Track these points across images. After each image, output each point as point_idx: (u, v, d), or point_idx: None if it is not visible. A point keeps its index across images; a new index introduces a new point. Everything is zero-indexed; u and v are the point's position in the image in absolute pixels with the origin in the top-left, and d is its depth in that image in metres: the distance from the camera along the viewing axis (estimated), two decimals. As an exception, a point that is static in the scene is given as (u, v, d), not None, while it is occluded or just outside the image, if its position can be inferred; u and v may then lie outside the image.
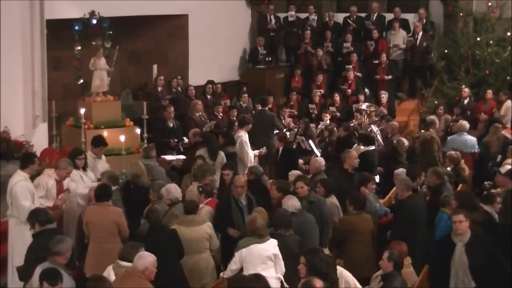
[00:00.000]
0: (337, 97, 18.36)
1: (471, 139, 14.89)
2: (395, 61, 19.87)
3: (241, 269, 8.82)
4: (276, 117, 16.09)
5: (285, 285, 8.90)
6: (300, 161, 15.13)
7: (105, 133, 13.13)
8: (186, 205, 9.85)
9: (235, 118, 16.01)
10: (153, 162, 12.44)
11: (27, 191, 10.04)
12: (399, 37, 19.86)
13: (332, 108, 18.00)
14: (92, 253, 9.54)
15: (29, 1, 13.75)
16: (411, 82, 20.25)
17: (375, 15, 20.53)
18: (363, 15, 20.73)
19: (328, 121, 16.94)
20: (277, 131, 15.15)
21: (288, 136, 14.89)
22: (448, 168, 12.71)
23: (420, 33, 19.66)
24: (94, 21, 14.39)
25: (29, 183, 10.20)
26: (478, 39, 18.87)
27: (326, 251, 9.45)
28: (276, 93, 19.28)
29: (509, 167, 12.17)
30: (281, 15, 21.44)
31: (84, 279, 8.83)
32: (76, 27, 14.29)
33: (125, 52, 18.46)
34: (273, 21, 21.13)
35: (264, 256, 8.75)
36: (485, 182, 12.61)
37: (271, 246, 8.83)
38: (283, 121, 17.01)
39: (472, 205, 9.79)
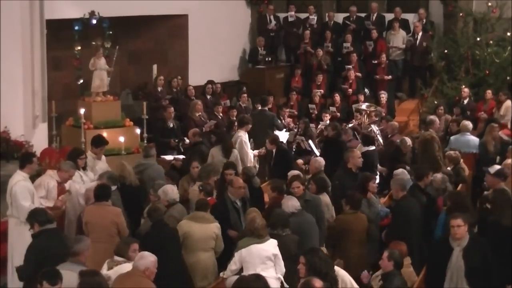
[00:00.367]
0: (337, 97, 18.37)
1: (474, 139, 14.89)
2: (394, 61, 19.89)
3: (241, 269, 8.83)
4: (276, 117, 16.10)
5: (285, 285, 8.91)
6: (300, 161, 15.14)
7: (105, 133, 13.14)
8: (198, 202, 9.89)
9: (234, 118, 16.02)
10: (152, 161, 12.43)
11: (26, 191, 10.04)
12: (399, 37, 19.87)
13: (332, 108, 18.01)
14: (92, 253, 9.52)
15: (29, 1, 13.74)
16: (411, 82, 20.26)
17: (375, 15, 20.53)
18: (363, 15, 20.74)
19: (328, 121, 16.93)
20: (270, 135, 15.07)
21: (279, 138, 14.84)
22: (448, 168, 12.72)
23: (420, 33, 19.66)
24: (94, 21, 14.38)
25: (29, 183, 10.20)
26: (478, 39, 18.87)
27: (323, 249, 9.47)
28: (276, 93, 19.27)
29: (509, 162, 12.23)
30: (281, 15, 21.44)
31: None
32: (76, 27, 14.28)
33: (125, 52, 18.46)
34: (273, 21, 21.13)
35: (263, 256, 8.76)
36: (485, 183, 12.59)
37: (270, 246, 8.84)
38: (283, 121, 17.01)
39: (463, 206, 9.84)
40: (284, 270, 8.89)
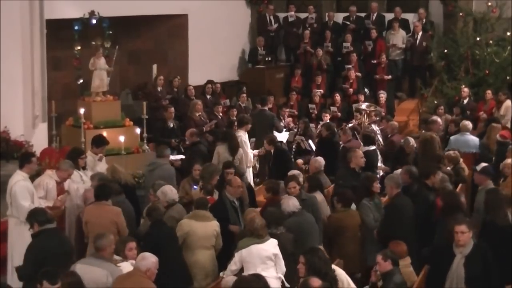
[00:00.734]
0: (337, 97, 18.38)
1: (474, 139, 14.89)
2: (394, 61, 19.90)
3: (241, 269, 8.83)
4: (275, 117, 16.10)
5: (286, 284, 8.91)
6: (300, 161, 15.15)
7: (105, 133, 13.12)
8: (197, 200, 9.92)
9: (234, 118, 16.03)
10: (163, 161, 12.45)
11: (26, 191, 10.05)
12: (399, 37, 19.88)
13: (333, 108, 18.02)
14: (91, 252, 9.53)
15: (29, 1, 13.75)
16: (411, 82, 20.27)
17: (375, 15, 20.54)
18: (363, 14, 20.75)
19: (328, 121, 16.92)
20: (268, 135, 15.06)
21: (276, 138, 14.85)
22: (448, 168, 12.71)
23: (420, 33, 19.68)
24: (94, 21, 14.36)
25: (29, 183, 10.20)
26: (478, 39, 18.87)
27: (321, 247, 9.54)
28: (276, 93, 19.27)
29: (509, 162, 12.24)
30: (281, 15, 21.44)
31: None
32: (76, 27, 14.26)
33: (125, 52, 18.46)
34: (273, 21, 21.13)
35: (264, 256, 8.77)
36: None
37: (270, 246, 8.85)
38: (283, 121, 17.02)
39: (456, 205, 9.85)
40: (284, 269, 8.90)
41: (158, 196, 10.16)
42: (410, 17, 20.45)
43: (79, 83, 15.05)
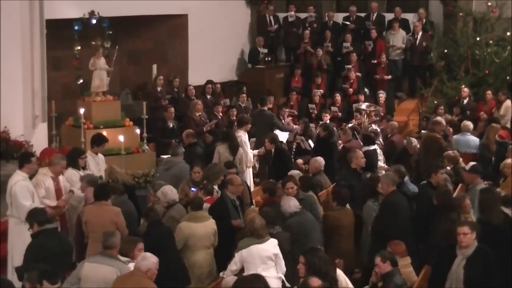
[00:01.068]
0: (338, 97, 18.39)
1: (474, 139, 14.90)
2: (394, 60, 19.90)
3: (241, 270, 8.83)
4: (275, 117, 16.10)
5: (287, 284, 8.91)
6: (300, 161, 15.15)
7: (105, 133, 13.12)
8: (194, 201, 9.94)
9: (234, 118, 16.03)
10: (178, 159, 12.45)
11: (26, 191, 10.05)
12: (399, 37, 19.88)
13: (333, 108, 18.03)
14: (91, 252, 9.53)
15: (28, 1, 13.74)
16: (411, 82, 20.27)
17: (375, 15, 20.54)
18: (363, 15, 20.75)
19: (328, 121, 16.93)
20: (269, 134, 15.06)
21: (278, 137, 14.87)
22: (448, 168, 12.71)
23: (420, 33, 19.68)
24: (94, 21, 14.36)
25: (29, 183, 10.21)
26: (478, 39, 18.88)
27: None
28: (276, 93, 19.27)
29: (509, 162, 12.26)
30: (281, 15, 21.44)
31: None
32: (76, 27, 14.26)
33: (124, 52, 18.46)
34: (273, 21, 21.13)
35: (264, 256, 8.78)
36: (484, 183, 12.60)
37: (271, 246, 8.86)
38: (283, 120, 17.02)
39: (450, 205, 9.91)
40: (285, 269, 8.91)
41: (158, 197, 10.16)
42: (410, 17, 20.46)
43: (79, 83, 15.05)
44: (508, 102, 17.04)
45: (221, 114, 16.88)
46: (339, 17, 21.16)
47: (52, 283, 7.18)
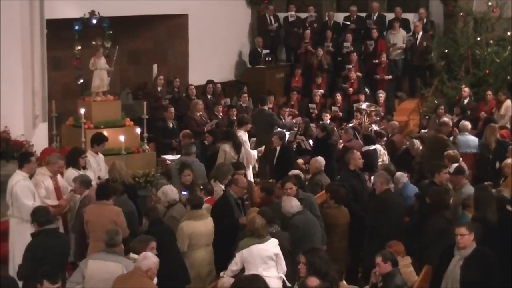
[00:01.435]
0: (338, 97, 18.40)
1: (474, 139, 14.89)
2: (394, 60, 19.91)
3: (242, 269, 8.83)
4: (274, 116, 16.10)
5: (288, 284, 8.91)
6: (300, 160, 15.14)
7: (105, 133, 13.11)
8: (193, 200, 9.93)
9: (234, 118, 16.04)
10: (193, 159, 12.44)
11: (28, 190, 10.05)
12: (399, 37, 19.89)
13: (334, 108, 18.03)
14: (92, 251, 9.50)
15: (29, 1, 13.75)
16: (411, 81, 20.27)
17: (376, 14, 20.54)
18: (363, 14, 20.75)
19: (328, 121, 16.94)
20: (275, 131, 15.11)
21: (287, 135, 14.94)
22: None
23: (420, 33, 19.69)
24: (94, 21, 14.35)
25: (29, 182, 10.21)
26: (478, 38, 18.88)
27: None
28: (276, 92, 19.28)
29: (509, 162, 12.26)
30: (281, 15, 21.44)
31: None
32: (76, 27, 14.24)
33: (125, 51, 18.45)
34: (273, 21, 21.14)
35: (265, 256, 8.78)
36: (485, 183, 12.61)
37: (271, 245, 8.86)
38: (283, 120, 17.02)
39: (443, 203, 9.97)
40: (285, 269, 8.92)
41: (159, 196, 10.16)
42: (411, 17, 20.46)
43: (79, 83, 15.04)
44: (508, 102, 17.04)
45: (221, 114, 16.89)
46: (339, 17, 21.16)
47: (52, 283, 7.19)
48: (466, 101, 17.75)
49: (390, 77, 19.41)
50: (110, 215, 9.58)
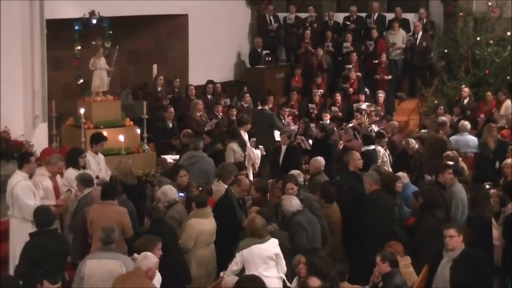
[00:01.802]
0: (338, 97, 18.40)
1: (473, 139, 14.90)
2: (394, 60, 19.91)
3: (242, 270, 8.84)
4: (274, 116, 16.10)
5: (288, 284, 8.92)
6: (300, 160, 15.15)
7: (105, 133, 13.12)
8: (199, 198, 9.94)
9: (234, 118, 16.04)
10: (202, 154, 12.42)
11: (29, 190, 10.02)
12: (399, 37, 19.90)
13: (334, 108, 18.03)
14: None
15: (29, 1, 13.74)
16: (411, 81, 20.28)
17: (376, 14, 20.54)
18: (363, 14, 20.75)
19: (328, 121, 16.94)
20: (283, 130, 15.11)
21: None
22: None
23: (420, 33, 19.69)
24: (94, 21, 14.35)
25: (29, 182, 10.18)
26: (478, 38, 18.89)
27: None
28: (276, 92, 19.29)
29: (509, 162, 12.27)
30: (281, 15, 21.44)
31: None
32: (76, 27, 14.25)
33: (125, 51, 18.46)
34: (273, 21, 21.14)
35: (265, 256, 8.79)
36: (485, 183, 12.62)
37: (272, 245, 8.86)
38: (283, 120, 17.03)
39: (435, 202, 10.03)
40: (285, 269, 8.91)
41: (159, 197, 10.15)
42: (411, 17, 20.47)
43: (79, 83, 15.05)
44: (508, 102, 17.05)
45: (221, 114, 16.90)
46: (339, 17, 21.17)
47: (52, 283, 7.19)
48: (466, 101, 17.76)
49: (390, 77, 19.41)
50: (115, 215, 9.54)
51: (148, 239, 8.48)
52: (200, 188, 10.76)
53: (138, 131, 14.59)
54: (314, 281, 7.11)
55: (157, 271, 7.90)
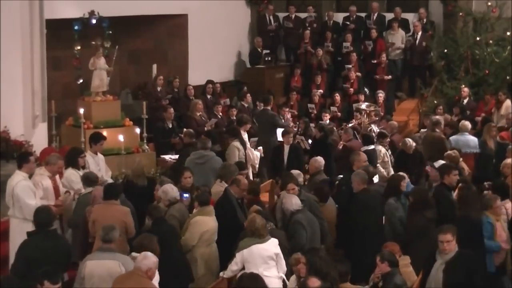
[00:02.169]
0: (337, 97, 18.41)
1: (473, 139, 14.88)
2: (394, 60, 19.90)
3: (242, 270, 8.84)
4: (276, 116, 16.09)
5: (288, 283, 8.92)
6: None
7: (105, 133, 13.12)
8: (202, 196, 9.95)
9: (234, 118, 16.05)
10: (211, 153, 12.48)
11: (29, 190, 10.01)
12: (398, 37, 19.91)
13: (333, 108, 18.04)
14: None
15: (28, 1, 13.74)
16: (411, 81, 20.27)
17: (375, 14, 20.54)
18: (363, 14, 20.76)
19: (327, 121, 16.94)
20: (288, 130, 15.09)
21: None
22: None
23: (420, 33, 19.69)
24: (94, 21, 14.36)
25: (30, 182, 10.17)
26: (478, 38, 18.88)
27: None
28: (275, 92, 19.29)
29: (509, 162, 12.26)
30: (281, 15, 21.45)
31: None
32: (76, 27, 14.26)
33: (124, 51, 18.45)
34: (272, 21, 21.14)
35: (265, 256, 8.80)
36: (485, 183, 12.61)
37: (272, 245, 8.87)
38: (282, 120, 17.02)
39: (426, 202, 10.06)
40: (285, 268, 8.91)
41: (160, 195, 10.14)
42: (410, 17, 20.47)
43: (79, 83, 15.06)
44: (508, 102, 17.04)
45: (221, 114, 16.90)
46: (339, 17, 21.17)
47: (53, 283, 7.19)
48: (465, 101, 17.75)
49: (389, 77, 19.41)
50: (118, 215, 9.52)
51: (145, 238, 8.47)
52: (199, 190, 10.73)
53: (138, 131, 14.60)
54: (314, 282, 7.11)
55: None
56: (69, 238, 10.39)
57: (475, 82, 18.63)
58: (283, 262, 8.91)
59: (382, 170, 13.53)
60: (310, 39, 20.56)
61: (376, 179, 12.39)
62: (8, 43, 13.39)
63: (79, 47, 14.41)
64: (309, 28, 20.70)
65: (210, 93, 18.02)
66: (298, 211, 9.82)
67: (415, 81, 20.01)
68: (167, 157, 14.46)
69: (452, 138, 14.97)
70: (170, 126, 15.47)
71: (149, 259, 7.76)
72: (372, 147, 13.78)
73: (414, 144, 13.84)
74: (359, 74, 19.45)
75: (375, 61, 19.68)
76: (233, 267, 8.89)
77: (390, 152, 14.17)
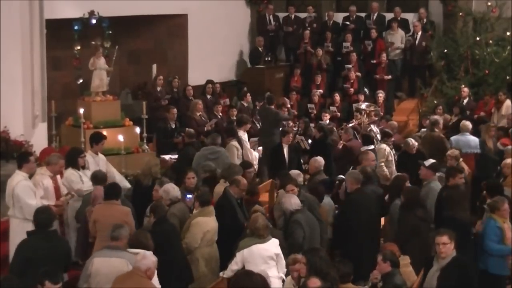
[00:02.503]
0: (337, 97, 18.41)
1: (474, 139, 14.88)
2: (393, 60, 19.91)
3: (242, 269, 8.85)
4: (279, 113, 16.06)
5: (284, 284, 8.93)
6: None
7: (105, 133, 13.11)
8: (203, 196, 9.94)
9: (234, 118, 16.05)
10: (222, 149, 12.51)
11: (30, 190, 10.00)
12: (397, 37, 19.91)
13: (332, 108, 18.03)
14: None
15: (28, 1, 13.74)
16: (411, 81, 20.28)
17: (375, 14, 20.55)
18: (363, 14, 20.76)
19: (327, 121, 16.95)
20: (287, 129, 15.10)
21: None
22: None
23: (419, 33, 19.70)
24: (94, 21, 14.37)
25: (30, 182, 10.16)
26: (478, 38, 18.89)
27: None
28: (275, 92, 19.25)
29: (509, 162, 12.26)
30: (281, 15, 21.45)
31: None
32: (76, 27, 14.26)
33: (124, 51, 18.46)
34: (272, 20, 21.15)
35: (265, 256, 8.81)
36: (484, 182, 12.61)
37: (272, 245, 8.88)
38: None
39: (417, 201, 10.10)
40: (285, 269, 8.91)
41: (161, 195, 10.14)
42: (410, 17, 20.47)
43: (79, 83, 15.06)
44: (508, 102, 17.03)
45: (220, 114, 16.91)
46: (339, 17, 21.17)
47: (54, 283, 7.19)
48: (465, 101, 17.74)
49: (389, 77, 19.42)
50: (119, 215, 9.51)
51: (142, 234, 8.48)
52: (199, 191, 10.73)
53: (138, 131, 14.60)
54: (314, 282, 7.11)
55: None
56: (71, 237, 10.42)
57: (475, 82, 18.63)
58: (283, 262, 8.90)
59: (385, 169, 13.50)
60: (310, 39, 20.56)
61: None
62: (8, 43, 13.39)
63: (79, 47, 14.41)
64: (309, 28, 20.71)
65: (210, 93, 18.02)
66: (297, 211, 9.82)
67: (415, 81, 20.02)
68: (167, 157, 14.46)
69: (452, 138, 14.96)
70: (173, 126, 15.48)
71: (148, 258, 7.76)
72: (372, 147, 13.78)
73: (416, 144, 13.84)
74: (359, 74, 19.46)
75: (375, 61, 19.69)
76: (233, 266, 8.90)
77: (394, 151, 14.16)
